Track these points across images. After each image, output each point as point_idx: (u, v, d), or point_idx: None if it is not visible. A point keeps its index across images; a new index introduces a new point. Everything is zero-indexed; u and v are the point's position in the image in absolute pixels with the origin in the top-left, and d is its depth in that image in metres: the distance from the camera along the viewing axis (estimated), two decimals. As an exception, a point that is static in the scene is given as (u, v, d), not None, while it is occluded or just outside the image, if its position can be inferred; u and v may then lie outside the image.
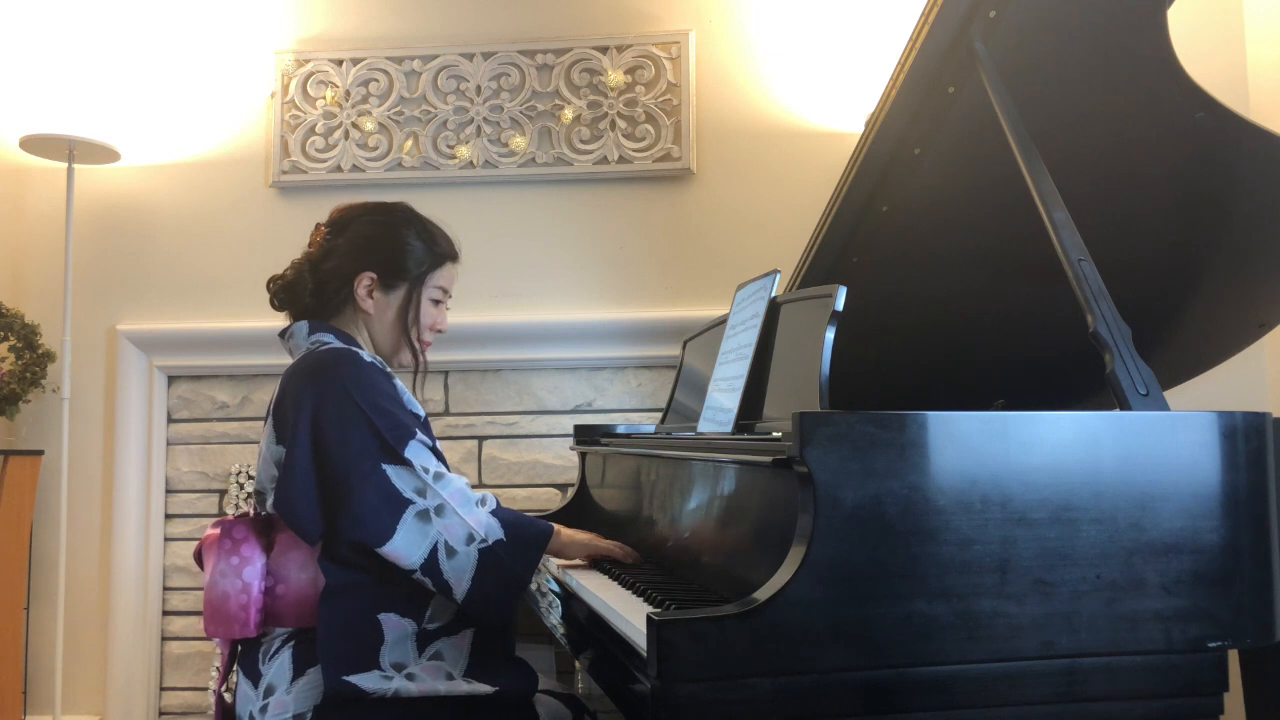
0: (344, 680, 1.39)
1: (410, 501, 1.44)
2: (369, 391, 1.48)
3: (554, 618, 1.61)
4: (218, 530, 1.54)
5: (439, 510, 1.45)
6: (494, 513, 1.50)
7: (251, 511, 1.61)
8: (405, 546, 1.43)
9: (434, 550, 1.43)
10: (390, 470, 1.45)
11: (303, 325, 1.62)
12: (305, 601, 1.49)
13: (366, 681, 1.39)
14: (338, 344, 1.58)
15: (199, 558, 1.59)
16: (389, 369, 1.59)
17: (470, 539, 1.44)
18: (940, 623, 1.10)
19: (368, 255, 1.64)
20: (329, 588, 1.45)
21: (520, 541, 1.48)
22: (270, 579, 1.51)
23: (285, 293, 1.66)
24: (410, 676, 1.42)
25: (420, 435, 1.50)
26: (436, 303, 1.70)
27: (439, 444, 1.56)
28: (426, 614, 1.49)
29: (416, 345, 1.68)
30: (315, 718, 1.40)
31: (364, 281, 1.63)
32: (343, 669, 1.40)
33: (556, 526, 1.61)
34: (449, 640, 1.50)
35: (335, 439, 1.45)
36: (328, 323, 1.64)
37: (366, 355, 1.55)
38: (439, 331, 1.72)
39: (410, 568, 1.43)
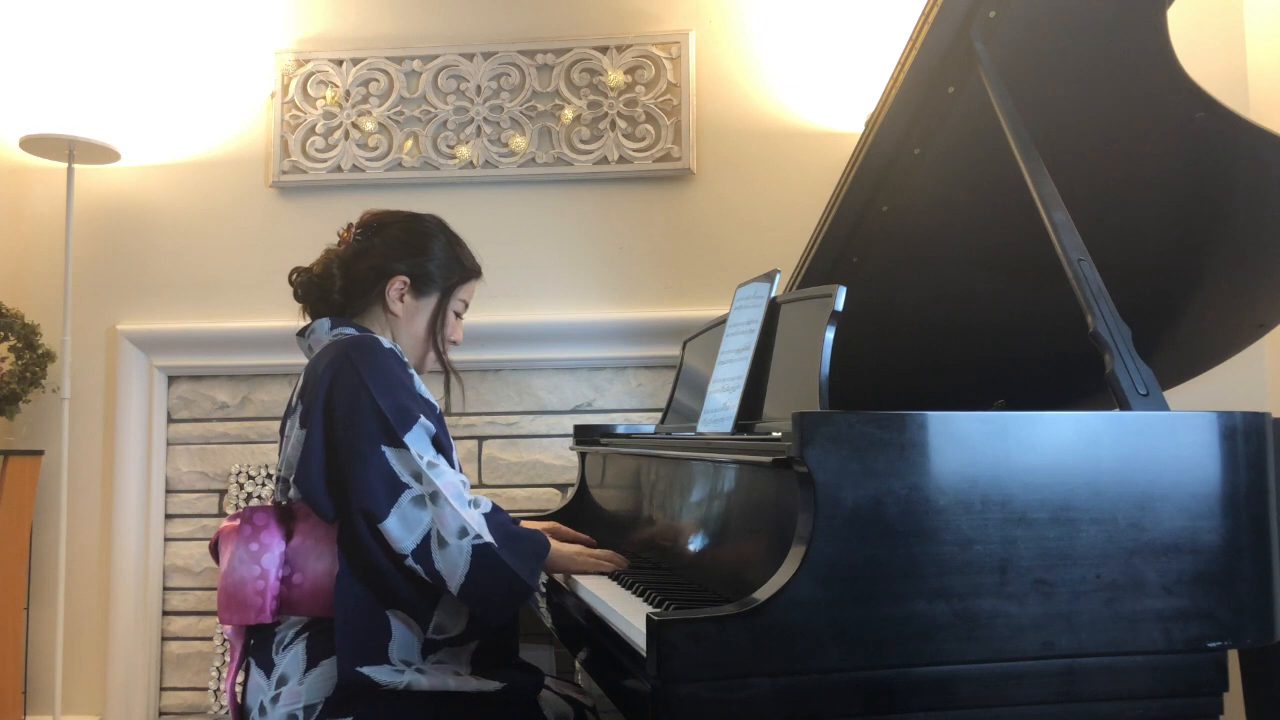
0: (358, 671, 1.41)
1: (406, 486, 1.46)
2: (380, 374, 1.50)
3: (543, 607, 1.60)
4: (237, 519, 1.55)
5: (433, 497, 1.45)
6: (487, 516, 1.49)
7: (273, 499, 1.61)
8: (399, 529, 1.44)
9: (426, 538, 1.44)
10: (389, 453, 1.47)
11: (324, 322, 1.63)
12: (321, 592, 1.50)
13: (379, 674, 1.41)
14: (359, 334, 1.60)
15: (214, 549, 1.59)
16: (406, 359, 1.60)
17: (463, 532, 1.44)
18: (940, 623, 1.10)
19: (403, 259, 1.66)
20: (343, 572, 1.46)
21: (514, 547, 1.47)
22: (288, 568, 1.52)
23: (312, 286, 1.67)
24: (421, 671, 1.44)
25: (424, 421, 1.51)
26: (458, 316, 1.74)
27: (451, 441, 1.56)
28: (431, 625, 1.49)
29: (443, 350, 1.71)
30: (326, 709, 1.42)
31: (396, 284, 1.65)
32: (357, 660, 1.42)
33: (551, 541, 1.59)
34: (451, 650, 1.51)
35: (344, 419, 1.48)
36: (350, 320, 1.65)
37: (386, 342, 1.57)
38: (454, 343, 1.75)
39: (403, 552, 1.44)
